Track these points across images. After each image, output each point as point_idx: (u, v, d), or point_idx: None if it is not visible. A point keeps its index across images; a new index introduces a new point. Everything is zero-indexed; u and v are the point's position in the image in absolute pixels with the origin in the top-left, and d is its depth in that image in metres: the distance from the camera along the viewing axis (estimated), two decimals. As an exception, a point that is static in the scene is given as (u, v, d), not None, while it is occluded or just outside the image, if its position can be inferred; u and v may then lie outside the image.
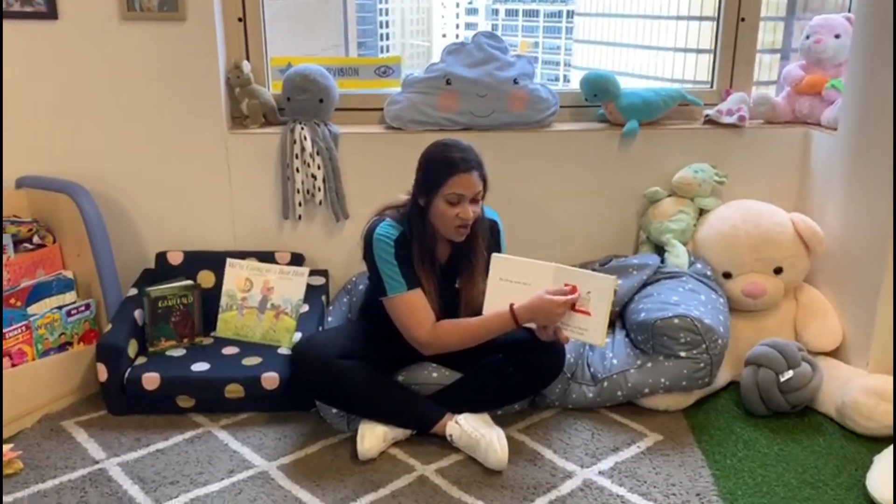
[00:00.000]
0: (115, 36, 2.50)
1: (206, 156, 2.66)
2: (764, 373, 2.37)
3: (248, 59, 2.70)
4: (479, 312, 2.19)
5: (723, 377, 2.51)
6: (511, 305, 2.11)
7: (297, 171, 2.64)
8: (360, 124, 2.78)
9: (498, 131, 2.71)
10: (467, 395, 2.26)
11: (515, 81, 2.67)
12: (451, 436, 2.19)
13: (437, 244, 2.23)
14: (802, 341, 2.56)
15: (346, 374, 2.13)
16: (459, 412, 2.22)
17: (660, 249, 2.76)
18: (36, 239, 2.50)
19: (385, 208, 2.25)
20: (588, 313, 2.11)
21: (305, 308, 2.57)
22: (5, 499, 1.98)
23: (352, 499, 2.01)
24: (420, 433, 2.24)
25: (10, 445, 2.15)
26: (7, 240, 2.40)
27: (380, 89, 2.80)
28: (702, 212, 2.77)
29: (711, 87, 2.92)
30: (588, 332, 2.12)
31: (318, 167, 2.64)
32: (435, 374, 2.32)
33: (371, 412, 2.20)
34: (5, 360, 2.27)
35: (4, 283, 2.37)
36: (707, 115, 2.80)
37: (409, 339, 2.18)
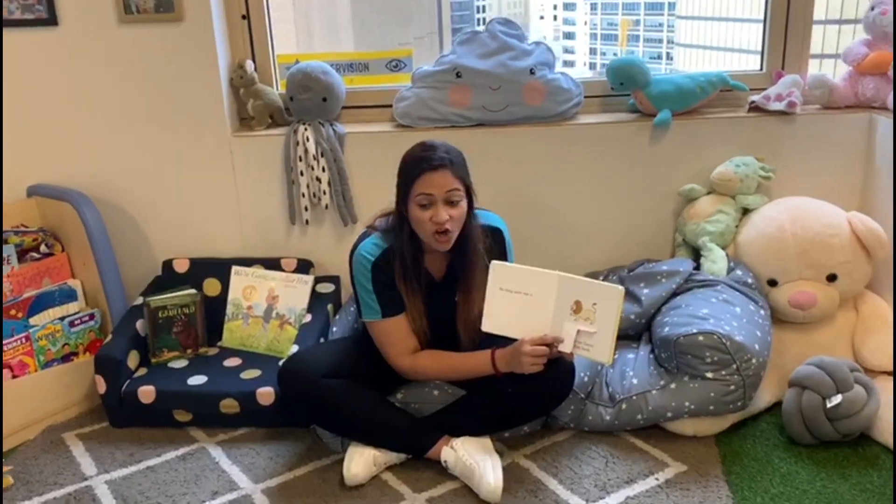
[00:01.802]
0: (115, 40, 2.45)
1: (211, 160, 2.58)
2: (808, 396, 2.08)
3: (253, 57, 2.60)
4: (477, 329, 2.01)
5: (765, 398, 2.23)
6: (493, 350, 1.96)
7: (302, 174, 2.52)
8: (370, 122, 2.63)
9: (514, 126, 2.51)
10: (466, 417, 2.08)
11: (532, 72, 2.45)
12: (445, 462, 2.02)
13: (427, 255, 2.06)
14: (860, 359, 2.25)
15: (332, 395, 2.00)
16: (458, 435, 2.06)
17: (697, 254, 2.48)
18: (43, 248, 2.49)
19: (378, 217, 2.10)
20: (593, 327, 1.89)
21: (308, 318, 2.45)
22: (-12, 517, 1.96)
23: (331, 529, 1.89)
24: (415, 458, 2.08)
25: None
26: (10, 250, 2.39)
27: (391, 85, 2.63)
28: (745, 211, 2.47)
29: (761, 69, 2.60)
30: (594, 348, 1.90)
31: (323, 169, 2.51)
32: (436, 393, 2.15)
33: (359, 435, 2.06)
34: (6, 372, 2.26)
35: (6, 293, 2.36)
36: (752, 102, 2.49)
37: (390, 364, 2.04)
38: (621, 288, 1.85)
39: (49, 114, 2.54)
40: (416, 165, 1.92)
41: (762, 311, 2.24)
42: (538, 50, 2.48)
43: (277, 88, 2.67)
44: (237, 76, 2.55)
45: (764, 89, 2.51)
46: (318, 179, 2.52)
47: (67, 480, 2.10)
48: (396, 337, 2.04)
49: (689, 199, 2.51)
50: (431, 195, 1.91)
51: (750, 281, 2.32)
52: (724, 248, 2.41)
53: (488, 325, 2.01)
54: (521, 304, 1.96)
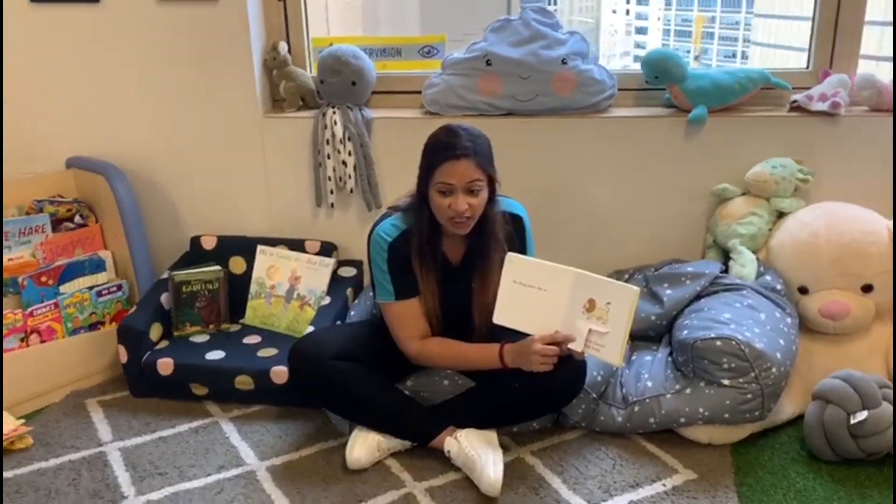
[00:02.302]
0: (152, 19, 2.49)
1: (242, 140, 2.61)
2: (832, 411, 1.98)
3: (288, 39, 2.61)
4: (491, 317, 1.99)
5: (788, 409, 2.15)
6: (502, 344, 1.93)
7: (328, 157, 2.52)
8: (400, 108, 2.62)
9: (543, 117, 2.46)
10: (472, 409, 2.06)
11: (564, 61, 2.39)
12: (448, 452, 2.00)
13: (445, 239, 2.04)
14: (894, 375, 2.14)
15: (339, 377, 2.00)
16: (464, 426, 2.04)
17: (728, 256, 2.40)
18: (78, 219, 2.56)
19: (399, 200, 2.09)
20: (605, 327, 1.84)
21: (327, 300, 2.46)
22: (6, 474, 2.03)
23: (329, 511, 1.89)
24: (419, 446, 2.07)
25: (23, 421, 2.20)
26: (44, 219, 2.47)
27: (422, 71, 2.61)
28: (780, 215, 2.37)
29: (807, 67, 2.49)
30: (605, 348, 1.86)
31: (350, 153, 2.51)
32: (446, 382, 2.13)
33: (363, 419, 2.06)
34: (34, 337, 2.34)
35: (39, 261, 2.44)
36: (794, 101, 2.39)
37: (399, 347, 2.03)
38: (636, 289, 1.80)
39: (89, 89, 2.60)
40: (438, 153, 1.91)
41: (789, 319, 2.15)
42: (572, 40, 2.43)
43: (311, 71, 2.68)
44: (270, 57, 2.57)
45: (808, 88, 2.40)
46: (344, 163, 2.52)
47: (84, 445, 2.16)
48: (408, 320, 2.03)
49: (722, 199, 2.42)
50: (452, 185, 1.90)
51: (779, 287, 2.22)
52: (755, 251, 2.32)
53: (500, 318, 1.98)
54: (534, 299, 1.92)
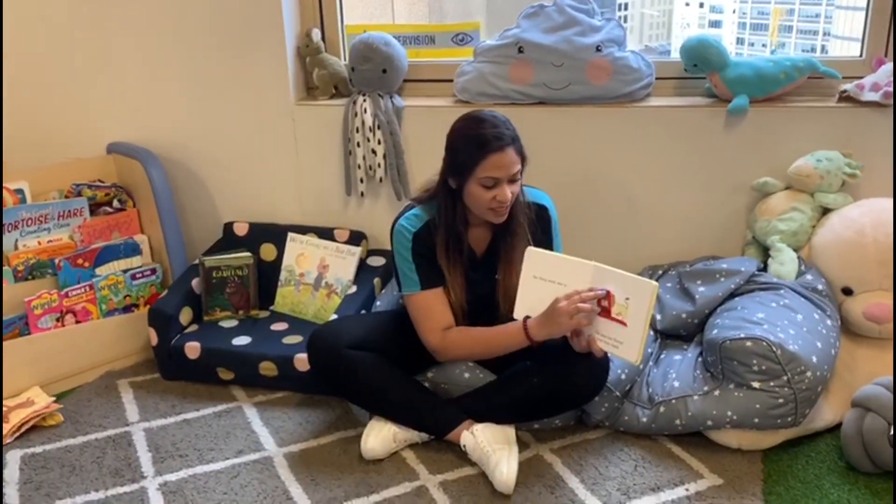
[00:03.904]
0: (188, 5, 2.51)
1: (274, 127, 2.62)
2: (872, 420, 1.87)
3: (322, 27, 2.61)
4: None
5: (827, 416, 2.03)
6: (525, 319, 1.86)
7: (359, 145, 2.51)
8: (432, 96, 2.58)
9: (576, 106, 2.39)
10: (491, 403, 2.02)
11: (598, 49, 2.32)
12: (464, 446, 1.97)
13: (470, 230, 2.00)
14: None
15: (355, 366, 1.98)
16: (481, 420, 2.00)
17: (768, 253, 2.28)
18: (116, 203, 2.62)
19: (420, 191, 2.06)
20: (624, 323, 1.78)
21: (353, 289, 2.45)
22: (35, 448, 2.09)
23: (341, 500, 1.87)
24: (436, 438, 2.04)
25: (54, 398, 2.26)
26: (82, 203, 2.53)
27: (455, 59, 2.57)
28: (825, 211, 2.25)
29: (861, 55, 2.35)
30: (623, 345, 1.79)
31: (379, 142, 2.49)
32: (467, 375, 2.10)
33: (380, 409, 2.04)
34: (69, 317, 2.40)
35: (76, 244, 2.50)
36: (844, 91, 2.25)
37: (422, 341, 2.00)
38: (655, 283, 1.73)
39: (130, 74, 2.65)
40: (482, 145, 1.85)
41: (829, 322, 2.03)
42: (608, 26, 2.35)
43: (345, 59, 2.67)
44: (303, 44, 2.57)
45: (861, 77, 2.27)
46: (374, 152, 2.50)
47: (111, 424, 2.20)
48: (433, 311, 1.99)
49: (764, 193, 2.31)
50: (498, 178, 1.85)
51: (820, 287, 2.11)
52: (796, 249, 2.21)
53: (520, 313, 1.94)
54: (554, 294, 1.87)
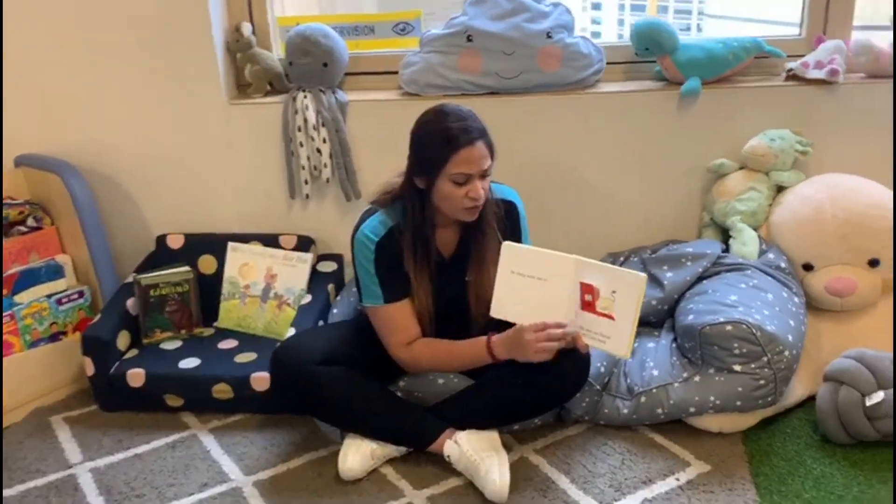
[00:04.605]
0: (106, 3, 2.29)
1: (206, 129, 2.43)
2: (846, 393, 1.90)
3: (251, 20, 2.43)
4: (489, 309, 1.86)
5: (798, 392, 2.06)
6: (489, 336, 1.81)
7: (302, 145, 2.36)
8: (376, 90, 2.46)
9: (529, 95, 2.32)
10: (472, 409, 1.93)
11: (549, 35, 2.26)
12: (449, 456, 1.88)
13: (438, 232, 1.90)
14: (905, 351, 2.06)
15: (327, 383, 1.86)
16: (463, 427, 1.91)
17: (726, 234, 2.30)
18: (31, 221, 2.36)
19: (380, 194, 1.94)
20: (611, 317, 1.73)
21: (308, 299, 2.31)
22: (-35, 506, 1.86)
23: (324, 527, 1.76)
24: (416, 451, 1.94)
25: (-17, 446, 2.03)
26: (-7, 224, 2.27)
27: (398, 49, 2.46)
28: (779, 189, 2.28)
29: (800, 34, 2.39)
30: (610, 340, 1.74)
31: (324, 140, 2.35)
32: (441, 381, 2.00)
33: (357, 426, 1.92)
34: (-11, 352, 2.15)
35: (-10, 269, 2.25)
36: (790, 70, 2.29)
37: (389, 354, 1.91)
38: (643, 276, 1.69)
39: (37, 79, 2.39)
40: (450, 140, 1.75)
41: (796, 299, 2.06)
42: (556, 12, 2.29)
43: (277, 53, 2.51)
44: (233, 40, 2.39)
45: (802, 56, 2.31)
46: (319, 151, 2.36)
47: (51, 468, 1.98)
48: (398, 324, 1.90)
49: (719, 175, 2.32)
50: (470, 174, 1.76)
51: (783, 265, 2.13)
52: (755, 228, 2.22)
53: (498, 312, 1.86)
54: (534, 290, 1.80)
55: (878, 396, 1.86)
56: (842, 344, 2.07)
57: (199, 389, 2.13)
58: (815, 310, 2.15)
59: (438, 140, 1.77)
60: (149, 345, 2.30)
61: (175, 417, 2.17)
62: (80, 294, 2.32)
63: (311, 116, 2.32)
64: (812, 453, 1.92)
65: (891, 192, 2.12)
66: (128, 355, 2.23)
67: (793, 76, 2.28)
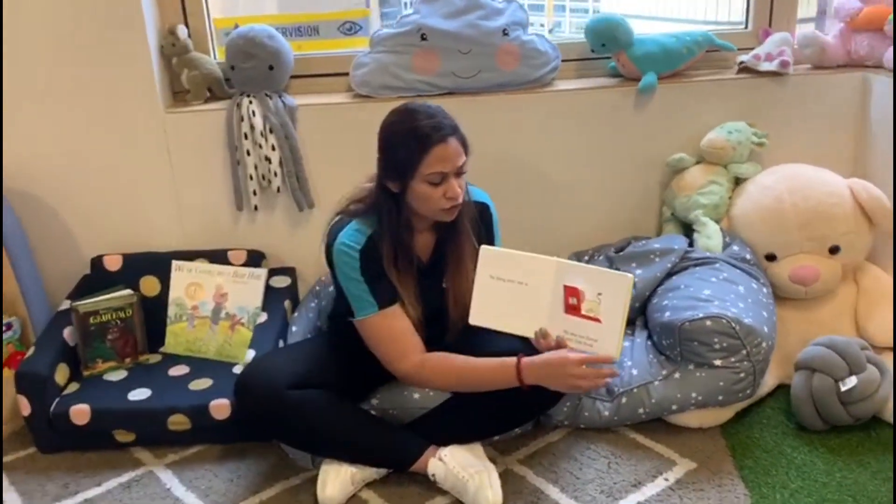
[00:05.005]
0: (28, 8, 2.08)
1: (142, 141, 2.25)
2: (820, 380, 1.92)
3: (186, 22, 2.27)
4: (467, 314, 1.78)
5: (769, 381, 2.07)
6: (519, 358, 1.69)
7: (248, 153, 2.22)
8: (324, 93, 2.34)
9: (487, 94, 2.26)
10: (454, 423, 1.85)
11: (505, 33, 2.20)
12: (433, 475, 1.79)
13: (415, 236, 1.81)
14: (867, 336, 2.11)
15: (300, 409, 1.73)
16: (445, 443, 1.83)
17: (687, 229, 2.30)
18: (-54, 249, 2.13)
19: (350, 203, 1.83)
20: (597, 320, 1.68)
21: (264, 317, 2.17)
22: None
23: (309, 563, 1.64)
24: (397, 471, 1.84)
25: None
26: None
27: (346, 50, 2.35)
28: (737, 181, 2.30)
29: (746, 27, 2.42)
30: (598, 343, 1.69)
31: (273, 148, 2.21)
32: (417, 396, 1.91)
33: (334, 451, 1.81)
34: None
35: None
36: (741, 62, 2.31)
37: (390, 370, 1.79)
38: (630, 276, 1.64)
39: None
40: (423, 139, 1.66)
41: (765, 290, 2.07)
42: (510, 8, 2.23)
43: (215, 57, 2.36)
44: (168, 44, 2.22)
45: (750, 49, 2.33)
46: (268, 159, 2.22)
47: (-12, 523, 1.79)
48: (398, 332, 1.77)
49: (678, 169, 2.32)
50: (445, 172, 1.67)
51: (748, 257, 2.15)
52: (717, 221, 2.23)
53: (477, 318, 1.78)
54: (515, 295, 1.74)
55: (852, 381, 1.89)
56: (807, 331, 2.10)
57: (152, 422, 1.96)
58: (779, 299, 2.17)
59: (409, 140, 1.68)
60: (91, 377, 2.11)
61: (126, 454, 2.00)
62: (9, 326, 2.11)
63: (258, 122, 2.18)
64: (790, 442, 1.93)
65: (844, 181, 2.16)
66: (68, 390, 2.04)
67: (744, 69, 2.30)
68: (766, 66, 2.25)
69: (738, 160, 2.25)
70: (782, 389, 2.11)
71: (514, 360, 1.68)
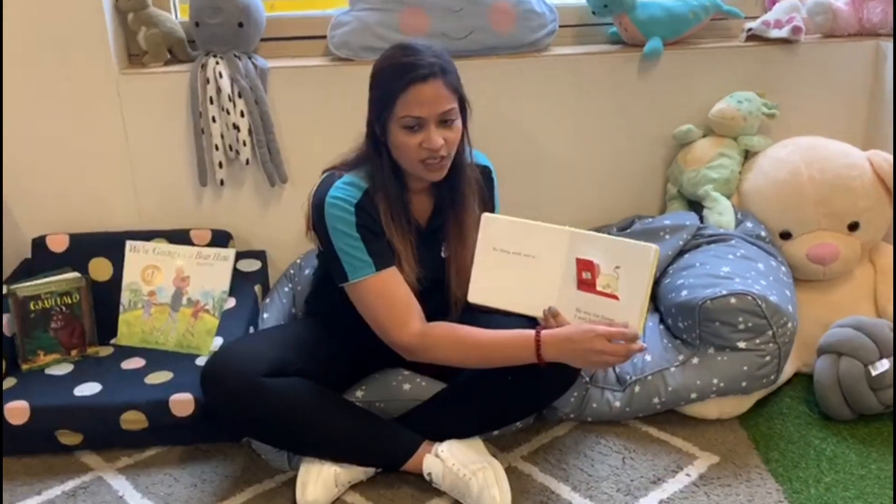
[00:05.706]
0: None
1: (92, 106, 2.01)
2: (848, 364, 1.77)
3: (143, -26, 2.04)
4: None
5: (787, 368, 1.90)
6: (537, 331, 1.48)
7: (214, 120, 1.99)
8: (299, 57, 2.13)
9: (480, 57, 2.07)
10: (452, 415, 1.65)
11: (499, -11, 2.02)
12: (429, 474, 1.57)
13: (410, 195, 1.60)
14: (886, 317, 1.96)
15: (278, 398, 1.50)
16: (441, 439, 1.61)
17: (693, 207, 2.14)
18: None
19: (343, 162, 1.61)
20: (615, 297, 1.49)
21: (231, 303, 1.94)
22: None
23: (289, 577, 1.41)
24: (388, 471, 1.62)
25: None
26: None
27: (323, 11, 2.14)
28: (747, 155, 2.14)
29: (752, -6, 2.28)
30: (616, 323, 1.50)
31: (242, 114, 1.99)
32: (407, 386, 1.71)
33: (316, 448, 1.58)
34: None
35: None
36: (750, 30, 2.16)
37: (387, 342, 1.55)
38: (654, 246, 1.45)
39: None
40: (397, 77, 1.46)
41: (784, 268, 1.91)
42: (504, -36, 2.05)
43: (177, 16, 2.13)
44: (124, -2, 1.99)
45: (756, 17, 2.19)
46: (236, 127, 1.99)
47: None
48: (397, 298, 1.53)
49: (685, 142, 2.15)
50: (421, 116, 1.46)
51: (763, 234, 1.98)
52: (728, 197, 2.07)
53: (476, 296, 1.59)
54: (521, 269, 1.54)
55: (883, 365, 1.74)
56: (825, 315, 1.94)
57: (102, 421, 1.71)
58: (795, 280, 2.01)
59: (387, 77, 1.49)
60: (30, 371, 1.86)
61: (72, 459, 1.75)
62: (-66, 314, 1.84)
63: (226, 85, 1.95)
64: (816, 433, 1.77)
65: (862, 153, 2.02)
66: (4, 386, 1.78)
67: (754, 36, 2.16)
68: (776, 33, 2.10)
69: (749, 132, 2.10)
70: (798, 378, 1.95)
71: (531, 332, 1.47)
